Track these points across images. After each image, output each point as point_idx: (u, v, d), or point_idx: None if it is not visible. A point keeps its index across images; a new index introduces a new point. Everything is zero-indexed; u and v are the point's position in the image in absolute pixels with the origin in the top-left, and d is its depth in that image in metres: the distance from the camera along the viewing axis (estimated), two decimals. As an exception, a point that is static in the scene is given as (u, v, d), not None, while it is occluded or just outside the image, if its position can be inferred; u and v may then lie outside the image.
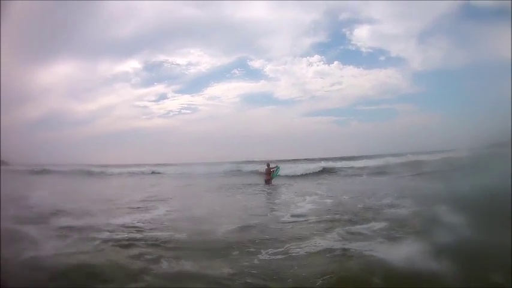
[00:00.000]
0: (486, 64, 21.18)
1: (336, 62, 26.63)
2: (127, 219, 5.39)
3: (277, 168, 12.22)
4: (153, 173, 19.37)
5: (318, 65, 26.27)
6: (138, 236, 4.33)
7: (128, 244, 3.98)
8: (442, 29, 24.95)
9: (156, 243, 4.02)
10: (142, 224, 5.07)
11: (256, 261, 3.29)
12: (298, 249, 3.59)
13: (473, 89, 22.00)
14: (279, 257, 3.42)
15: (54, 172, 18.97)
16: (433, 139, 17.98)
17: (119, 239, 4.16)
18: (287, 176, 13.78)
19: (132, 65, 30.38)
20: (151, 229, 4.76)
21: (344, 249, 3.40)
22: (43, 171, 19.63)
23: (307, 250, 3.54)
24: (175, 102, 27.56)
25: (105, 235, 4.35)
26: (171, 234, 4.41)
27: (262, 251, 3.58)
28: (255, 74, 30.65)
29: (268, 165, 11.93)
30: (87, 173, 18.96)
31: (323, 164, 16.62)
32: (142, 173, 19.42)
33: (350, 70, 26.45)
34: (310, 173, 14.82)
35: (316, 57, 26.29)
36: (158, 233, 4.46)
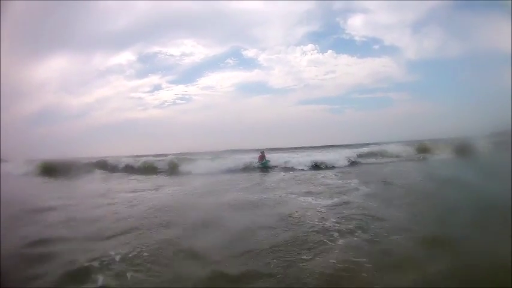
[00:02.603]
0: (480, 54, 23.27)
1: (329, 51, 29.01)
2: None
3: (267, 161, 14.07)
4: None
5: (311, 54, 28.36)
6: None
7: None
8: (437, 19, 27.36)
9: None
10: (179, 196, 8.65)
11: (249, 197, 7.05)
12: (273, 195, 7.26)
13: (468, 79, 24.07)
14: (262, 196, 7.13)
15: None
16: (427, 127, 20.44)
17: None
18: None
19: (126, 57, 32.66)
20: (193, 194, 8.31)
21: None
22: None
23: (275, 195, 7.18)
24: (170, 92, 29.30)
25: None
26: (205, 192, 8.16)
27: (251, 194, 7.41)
28: (249, 63, 32.53)
29: (262, 152, 14.60)
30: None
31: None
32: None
33: (344, 59, 28.89)
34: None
35: (310, 46, 28.72)
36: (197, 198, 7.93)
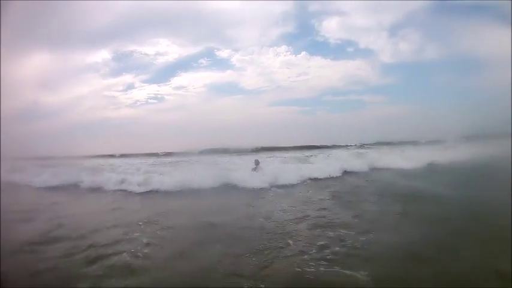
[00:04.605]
0: (457, 59, 24.64)
1: (303, 53, 28.37)
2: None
3: None
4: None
5: (285, 55, 28.21)
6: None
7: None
8: (415, 22, 27.12)
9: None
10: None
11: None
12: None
13: (444, 83, 25.12)
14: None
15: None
16: (400, 130, 21.37)
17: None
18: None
19: (102, 55, 31.12)
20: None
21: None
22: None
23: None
24: (143, 92, 28.92)
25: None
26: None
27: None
28: (222, 64, 31.33)
29: (256, 161, 11.41)
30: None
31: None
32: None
33: (317, 61, 28.36)
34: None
35: (284, 47, 28.17)
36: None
